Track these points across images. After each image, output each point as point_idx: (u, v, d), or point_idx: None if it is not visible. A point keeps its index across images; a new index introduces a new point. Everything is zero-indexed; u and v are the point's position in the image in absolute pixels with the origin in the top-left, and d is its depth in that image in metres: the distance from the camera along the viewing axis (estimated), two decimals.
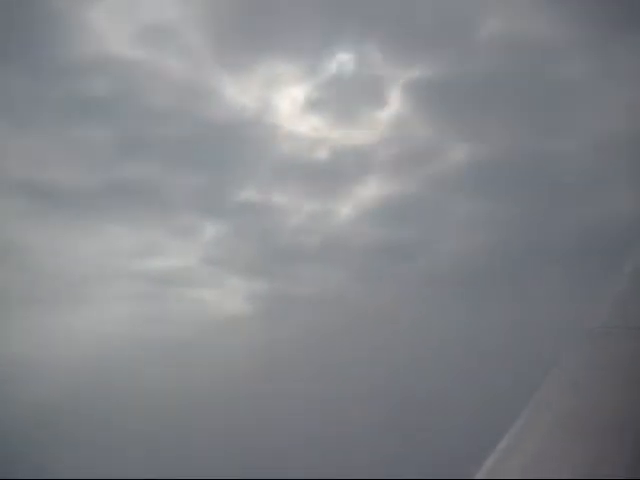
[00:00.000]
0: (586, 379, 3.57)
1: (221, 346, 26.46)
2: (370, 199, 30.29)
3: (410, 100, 30.03)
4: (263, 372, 24.46)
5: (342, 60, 30.22)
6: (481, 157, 28.48)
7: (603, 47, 26.25)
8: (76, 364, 25.09)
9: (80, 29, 28.71)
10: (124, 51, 29.04)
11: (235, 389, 24.22)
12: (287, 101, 31.27)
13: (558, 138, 27.76)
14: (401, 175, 30.71)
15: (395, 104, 30.00)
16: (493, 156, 28.17)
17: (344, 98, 31.19)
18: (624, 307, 4.33)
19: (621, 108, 25.81)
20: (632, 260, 4.93)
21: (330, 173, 30.36)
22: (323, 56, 31.30)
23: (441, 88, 28.49)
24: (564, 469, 2.77)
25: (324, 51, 30.93)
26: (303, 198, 31.53)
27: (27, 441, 21.67)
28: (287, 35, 30.09)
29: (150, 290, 28.88)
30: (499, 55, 27.87)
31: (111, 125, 29.70)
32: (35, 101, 28.55)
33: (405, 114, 30.05)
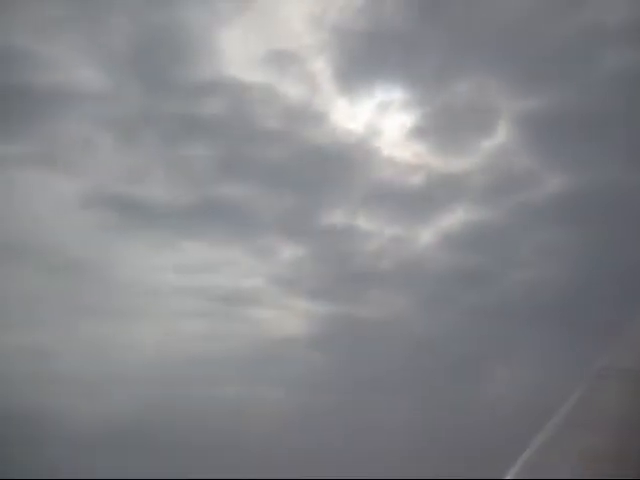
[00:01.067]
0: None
1: (273, 365, 26.98)
2: (453, 226, 30.00)
3: (518, 130, 29.94)
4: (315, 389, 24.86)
5: (457, 90, 30.22)
6: (576, 188, 28.12)
7: None
8: (138, 378, 25.74)
9: (208, 51, 29.87)
10: (243, 74, 29.80)
11: (286, 404, 24.67)
12: (395, 127, 31.31)
13: None
14: (490, 203, 30.75)
15: (502, 134, 29.92)
16: (589, 187, 27.80)
17: (452, 126, 30.79)
18: (632, 350, 4.81)
19: None
20: None
21: (420, 199, 30.26)
22: (439, 85, 30.92)
23: (551, 119, 28.15)
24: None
25: (440, 80, 30.60)
26: (388, 223, 31.46)
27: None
28: (407, 63, 30.28)
29: (213, 308, 29.51)
30: (615, 89, 27.46)
31: (216, 145, 30.49)
32: (145, 118, 29.63)
33: (509, 144, 30.02)
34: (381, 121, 31.49)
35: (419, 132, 30.19)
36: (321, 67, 30.11)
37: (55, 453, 22.25)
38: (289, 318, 30.46)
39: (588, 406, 4.06)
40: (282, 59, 30.28)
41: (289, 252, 30.60)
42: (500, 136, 30.54)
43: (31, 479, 20.65)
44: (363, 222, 31.66)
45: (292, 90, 30.45)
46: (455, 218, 30.85)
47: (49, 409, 24.06)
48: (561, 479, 3.14)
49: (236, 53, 30.47)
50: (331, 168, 30.78)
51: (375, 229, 31.57)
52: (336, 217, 31.32)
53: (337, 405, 24.61)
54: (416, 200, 30.82)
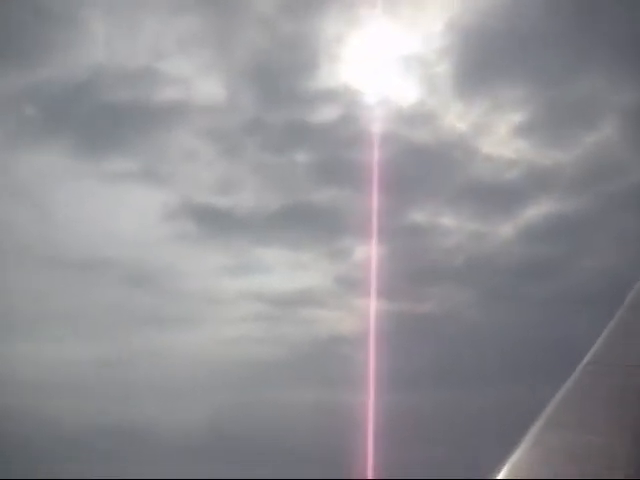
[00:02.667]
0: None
1: (328, 364, 27.42)
2: (534, 218, 30.54)
3: (623, 123, 30.44)
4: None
5: (571, 86, 31.03)
6: None
7: None
8: (206, 384, 26.65)
9: (332, 59, 31.24)
10: (363, 80, 31.26)
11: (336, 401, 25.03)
12: (502, 125, 32.00)
13: None
14: (575, 194, 31.14)
15: (607, 128, 30.54)
16: None
17: (560, 121, 31.71)
18: (618, 344, 4.82)
19: None
20: (629, 297, 5.38)
21: (508, 194, 31.08)
22: (555, 82, 32.04)
23: None
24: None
25: (557, 77, 31.92)
26: (471, 219, 32.20)
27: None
28: (529, 62, 31.48)
29: (275, 311, 30.41)
30: None
31: (318, 151, 32.02)
32: (253, 128, 31.11)
33: (612, 137, 30.50)
34: (490, 119, 32.11)
35: (526, 128, 30.93)
36: (444, 69, 30.97)
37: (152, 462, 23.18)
38: (349, 318, 30.78)
39: (575, 403, 4.10)
40: (407, 63, 31.47)
41: (364, 253, 31.32)
42: (605, 129, 30.26)
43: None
44: (448, 219, 31.95)
45: (409, 94, 31.88)
46: (538, 210, 30.76)
47: (130, 420, 25.10)
48: (548, 479, 3.18)
49: (361, 59, 31.67)
50: (428, 168, 31.25)
51: (457, 226, 31.74)
52: (422, 216, 31.95)
53: (394, 403, 24.70)
54: (504, 195, 31.14)
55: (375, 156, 29.73)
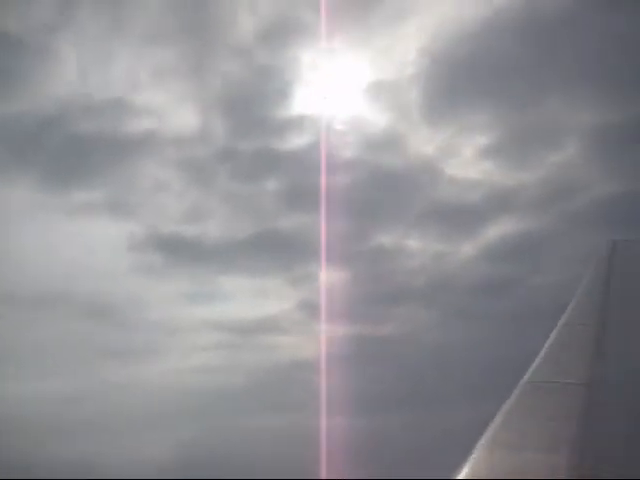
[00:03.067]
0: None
1: (285, 389, 27.18)
2: (495, 238, 31.69)
3: (584, 143, 31.83)
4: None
5: (535, 110, 32.56)
6: (622, 193, 29.09)
7: None
8: (167, 415, 26.00)
9: (305, 87, 32.35)
10: (335, 106, 32.45)
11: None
12: (467, 148, 33.48)
13: None
14: (539, 213, 32.18)
15: (570, 148, 32.14)
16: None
17: (524, 144, 32.91)
18: (556, 362, 4.90)
19: None
20: (565, 315, 5.49)
21: (471, 214, 32.09)
22: (519, 106, 33.14)
23: (618, 132, 29.81)
24: None
25: (521, 102, 32.99)
26: (436, 240, 33.31)
27: None
28: (494, 88, 32.72)
29: (234, 339, 30.10)
30: None
31: (287, 179, 32.74)
32: (222, 158, 31.72)
33: (575, 157, 32.00)
34: (456, 143, 33.44)
35: (491, 151, 32.40)
36: (413, 96, 32.35)
37: None
38: (310, 343, 30.71)
39: (516, 422, 4.12)
40: (379, 90, 32.60)
41: (328, 277, 31.85)
42: (568, 149, 31.17)
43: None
44: (412, 241, 32.61)
45: (379, 119, 32.92)
46: (499, 230, 31.59)
47: (94, 453, 24.36)
48: None
49: (333, 87, 32.77)
50: (395, 191, 31.58)
51: (421, 247, 32.51)
52: (388, 238, 32.44)
53: (353, 425, 24.59)
54: (467, 216, 31.84)
55: (343, 181, 30.23)
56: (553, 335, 5.31)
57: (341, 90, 33.16)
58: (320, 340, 29.76)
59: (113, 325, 30.08)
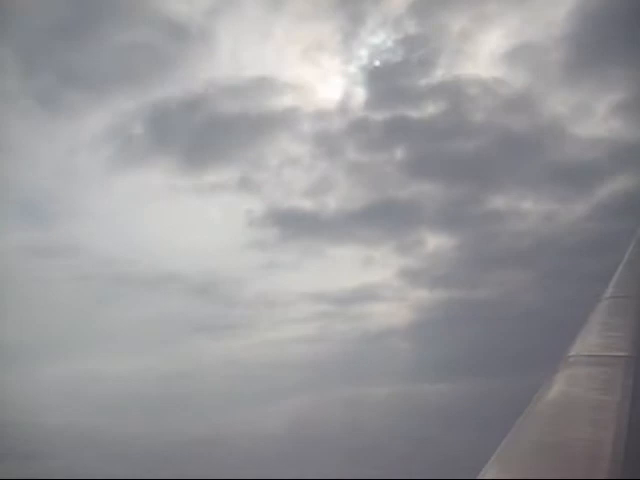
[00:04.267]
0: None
1: (370, 358, 27.45)
2: (609, 197, 30.24)
3: None
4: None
5: None
6: None
7: None
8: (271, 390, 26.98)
9: (448, 58, 32.03)
10: (477, 71, 32.74)
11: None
12: (600, 106, 32.00)
13: None
14: None
15: None
16: None
17: None
18: (600, 335, 4.86)
19: None
20: (610, 286, 5.35)
21: (589, 173, 31.10)
22: None
23: None
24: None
25: None
26: (549, 201, 32.62)
27: None
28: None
29: (329, 309, 30.87)
30: None
31: (415, 147, 32.67)
32: (356, 129, 32.24)
33: None
34: (591, 101, 32.30)
35: (622, 108, 30.83)
36: (556, 56, 31.67)
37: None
38: (402, 310, 30.80)
39: (558, 398, 4.18)
40: (522, 53, 32.08)
41: (436, 243, 31.98)
42: None
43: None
44: (527, 203, 32.15)
45: (517, 82, 32.35)
46: (614, 188, 30.18)
47: (211, 429, 25.60)
48: (533, 479, 3.22)
49: (478, 52, 32.74)
50: (520, 154, 31.24)
51: (533, 209, 31.83)
52: (502, 201, 32.19)
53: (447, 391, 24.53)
54: (585, 175, 31.11)
55: (469, 147, 29.95)
56: (597, 308, 5.26)
57: (484, 55, 32.73)
58: (415, 306, 29.85)
59: (218, 301, 31.41)
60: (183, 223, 32.67)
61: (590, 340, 4.79)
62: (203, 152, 32.66)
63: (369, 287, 31.31)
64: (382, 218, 31.95)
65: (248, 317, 31.21)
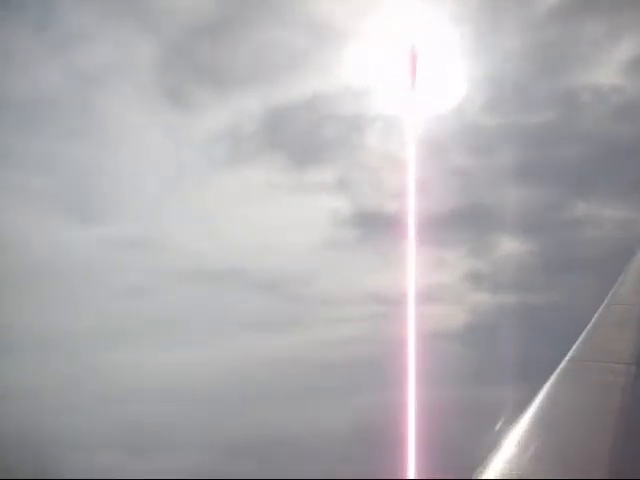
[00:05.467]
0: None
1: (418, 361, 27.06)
2: None
3: None
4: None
5: None
6: None
7: None
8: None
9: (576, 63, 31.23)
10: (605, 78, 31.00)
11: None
12: None
13: None
14: None
15: None
16: None
17: None
18: (600, 341, 4.86)
19: None
20: (610, 295, 5.37)
21: None
22: None
23: None
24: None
25: None
26: (632, 209, 31.03)
27: None
28: None
29: (384, 310, 30.57)
30: None
31: (520, 153, 30.93)
32: (465, 131, 31.57)
33: None
34: None
35: None
36: None
37: None
38: (459, 312, 30.66)
39: (558, 401, 4.17)
40: None
41: (509, 248, 30.88)
42: None
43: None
44: (608, 210, 30.46)
45: (636, 91, 30.52)
46: None
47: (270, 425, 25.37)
48: (531, 479, 3.21)
49: (608, 60, 31.11)
50: (619, 161, 30.73)
51: (613, 216, 30.69)
52: (584, 207, 30.92)
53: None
54: None
55: (573, 154, 29.89)
56: (598, 314, 5.27)
57: (608, 62, 31.85)
58: (472, 310, 29.73)
59: (280, 298, 31.39)
60: (269, 221, 32.91)
61: (590, 346, 4.80)
62: (312, 151, 33.05)
63: (430, 289, 31.26)
64: (464, 221, 31.89)
65: (304, 315, 31.31)
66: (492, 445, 3.60)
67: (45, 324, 27.83)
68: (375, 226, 31.77)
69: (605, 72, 31.53)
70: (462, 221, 30.97)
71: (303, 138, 32.21)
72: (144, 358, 28.04)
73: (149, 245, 30.79)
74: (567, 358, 4.56)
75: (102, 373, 27.22)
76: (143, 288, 30.43)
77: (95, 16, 32.85)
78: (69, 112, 33.74)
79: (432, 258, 31.35)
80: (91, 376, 26.69)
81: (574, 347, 4.75)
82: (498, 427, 4.08)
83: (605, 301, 5.53)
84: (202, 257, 30.84)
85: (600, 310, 5.39)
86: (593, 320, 5.23)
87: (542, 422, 3.90)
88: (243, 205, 32.45)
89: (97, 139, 34.15)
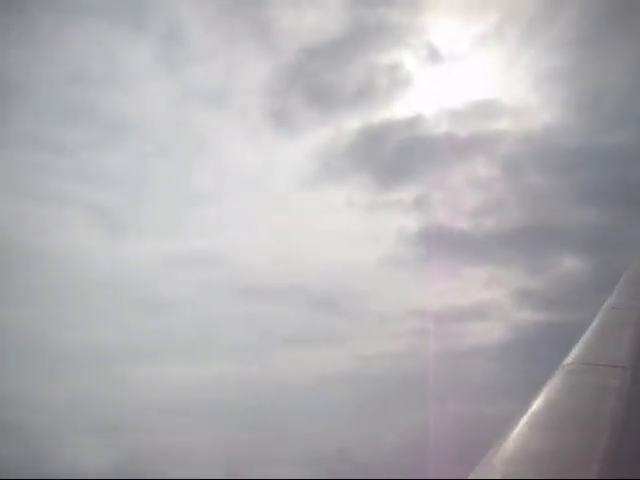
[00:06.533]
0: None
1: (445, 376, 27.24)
2: None
3: None
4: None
5: None
6: None
7: None
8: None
9: None
10: None
11: None
12: None
13: None
14: None
15: None
16: None
17: None
18: (597, 344, 4.90)
19: None
20: (612, 296, 5.38)
21: None
22: None
23: None
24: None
25: None
26: None
27: None
28: None
29: (428, 326, 30.64)
30: None
31: (599, 173, 32.97)
32: (545, 153, 31.65)
33: None
34: None
35: None
36: None
37: None
38: (500, 329, 30.60)
39: (554, 403, 4.22)
40: None
41: (567, 267, 31.90)
42: None
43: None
44: None
45: None
46: None
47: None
48: (525, 479, 3.26)
49: None
50: None
51: None
52: None
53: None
54: None
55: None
56: (597, 318, 5.30)
57: None
58: (514, 327, 29.59)
59: (333, 314, 31.64)
60: (338, 238, 33.35)
61: (587, 349, 4.84)
62: (397, 171, 33.48)
63: (477, 306, 31.26)
64: (527, 240, 31.86)
65: (352, 331, 31.52)
66: (490, 446, 3.65)
67: (102, 337, 28.20)
68: (438, 244, 31.78)
69: None
70: (524, 240, 30.74)
71: (392, 158, 32.44)
72: (198, 372, 28.24)
73: (216, 261, 31.10)
74: (564, 361, 4.61)
75: (158, 385, 27.44)
76: (201, 304, 30.61)
77: (217, 38, 33.41)
78: (167, 130, 34.35)
79: (486, 276, 31.25)
80: (149, 387, 26.89)
81: (573, 350, 4.79)
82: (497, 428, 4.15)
83: (603, 305, 5.56)
84: (266, 273, 31.12)
85: (598, 314, 5.42)
86: (591, 324, 5.27)
87: (538, 423, 3.95)
88: (317, 223, 32.87)
89: (190, 157, 34.57)
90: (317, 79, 33.54)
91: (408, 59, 33.15)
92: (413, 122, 31.74)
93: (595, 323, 5.25)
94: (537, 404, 4.17)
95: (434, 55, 32.18)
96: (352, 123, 33.90)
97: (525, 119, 33.40)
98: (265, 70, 33.81)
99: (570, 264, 31.15)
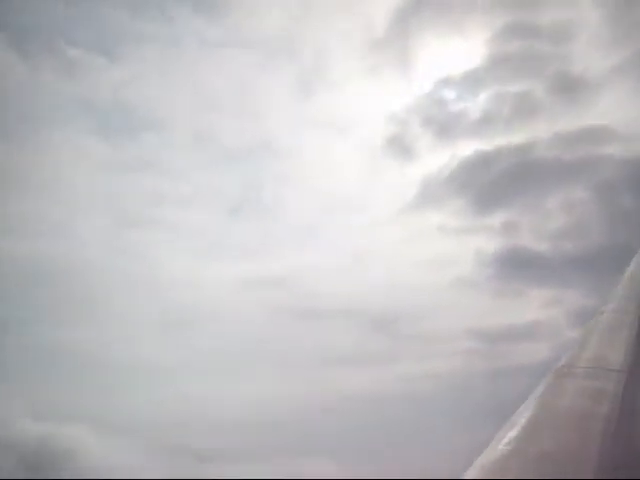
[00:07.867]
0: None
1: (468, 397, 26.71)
2: None
3: None
4: None
5: None
6: None
7: None
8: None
9: None
10: None
11: None
12: None
13: None
14: None
15: None
16: None
17: None
18: (592, 347, 4.92)
19: None
20: (607, 302, 5.42)
21: None
22: None
23: None
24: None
25: None
26: None
27: None
28: None
29: (478, 346, 30.39)
30: None
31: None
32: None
33: None
34: None
35: None
36: None
37: None
38: (548, 349, 30.54)
39: (548, 405, 4.23)
40: None
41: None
42: None
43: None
44: None
45: None
46: None
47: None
48: (521, 479, 3.28)
49: None
50: None
51: None
52: None
53: None
54: None
55: None
56: (592, 321, 5.33)
57: None
58: (561, 346, 29.31)
59: (387, 335, 31.85)
60: (418, 261, 33.72)
61: (582, 352, 4.85)
62: (494, 196, 33.59)
63: (531, 326, 31.27)
64: (600, 263, 31.78)
65: (402, 351, 31.77)
66: (483, 446, 3.67)
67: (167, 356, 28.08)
68: (512, 266, 31.89)
69: None
70: (597, 262, 30.71)
71: (494, 183, 32.41)
72: (248, 390, 28.39)
73: (279, 285, 31.07)
74: (559, 363, 4.62)
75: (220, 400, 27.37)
76: (264, 325, 30.59)
77: (357, 68, 33.36)
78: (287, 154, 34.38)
79: (548, 296, 31.26)
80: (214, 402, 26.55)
81: (568, 352, 4.81)
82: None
83: (600, 308, 5.59)
84: (337, 295, 31.29)
85: (594, 317, 5.45)
86: (586, 327, 5.29)
87: (532, 425, 3.96)
88: (405, 247, 33.15)
89: (293, 181, 34.69)
90: (446, 108, 34.22)
91: (538, 88, 33.16)
92: (526, 147, 32.00)
93: (590, 326, 5.28)
94: (531, 406, 4.18)
95: (564, 84, 32.32)
96: (468, 149, 34.35)
97: (633, 145, 33.45)
98: (399, 98, 34.24)
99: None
